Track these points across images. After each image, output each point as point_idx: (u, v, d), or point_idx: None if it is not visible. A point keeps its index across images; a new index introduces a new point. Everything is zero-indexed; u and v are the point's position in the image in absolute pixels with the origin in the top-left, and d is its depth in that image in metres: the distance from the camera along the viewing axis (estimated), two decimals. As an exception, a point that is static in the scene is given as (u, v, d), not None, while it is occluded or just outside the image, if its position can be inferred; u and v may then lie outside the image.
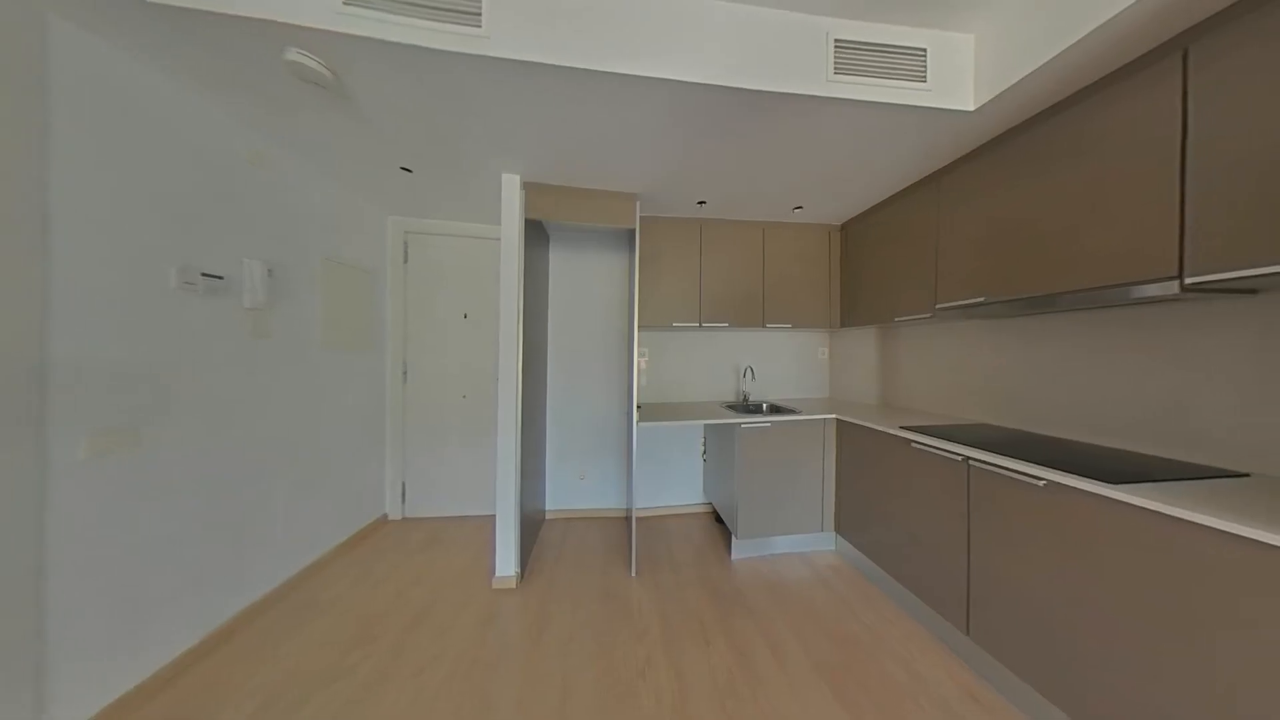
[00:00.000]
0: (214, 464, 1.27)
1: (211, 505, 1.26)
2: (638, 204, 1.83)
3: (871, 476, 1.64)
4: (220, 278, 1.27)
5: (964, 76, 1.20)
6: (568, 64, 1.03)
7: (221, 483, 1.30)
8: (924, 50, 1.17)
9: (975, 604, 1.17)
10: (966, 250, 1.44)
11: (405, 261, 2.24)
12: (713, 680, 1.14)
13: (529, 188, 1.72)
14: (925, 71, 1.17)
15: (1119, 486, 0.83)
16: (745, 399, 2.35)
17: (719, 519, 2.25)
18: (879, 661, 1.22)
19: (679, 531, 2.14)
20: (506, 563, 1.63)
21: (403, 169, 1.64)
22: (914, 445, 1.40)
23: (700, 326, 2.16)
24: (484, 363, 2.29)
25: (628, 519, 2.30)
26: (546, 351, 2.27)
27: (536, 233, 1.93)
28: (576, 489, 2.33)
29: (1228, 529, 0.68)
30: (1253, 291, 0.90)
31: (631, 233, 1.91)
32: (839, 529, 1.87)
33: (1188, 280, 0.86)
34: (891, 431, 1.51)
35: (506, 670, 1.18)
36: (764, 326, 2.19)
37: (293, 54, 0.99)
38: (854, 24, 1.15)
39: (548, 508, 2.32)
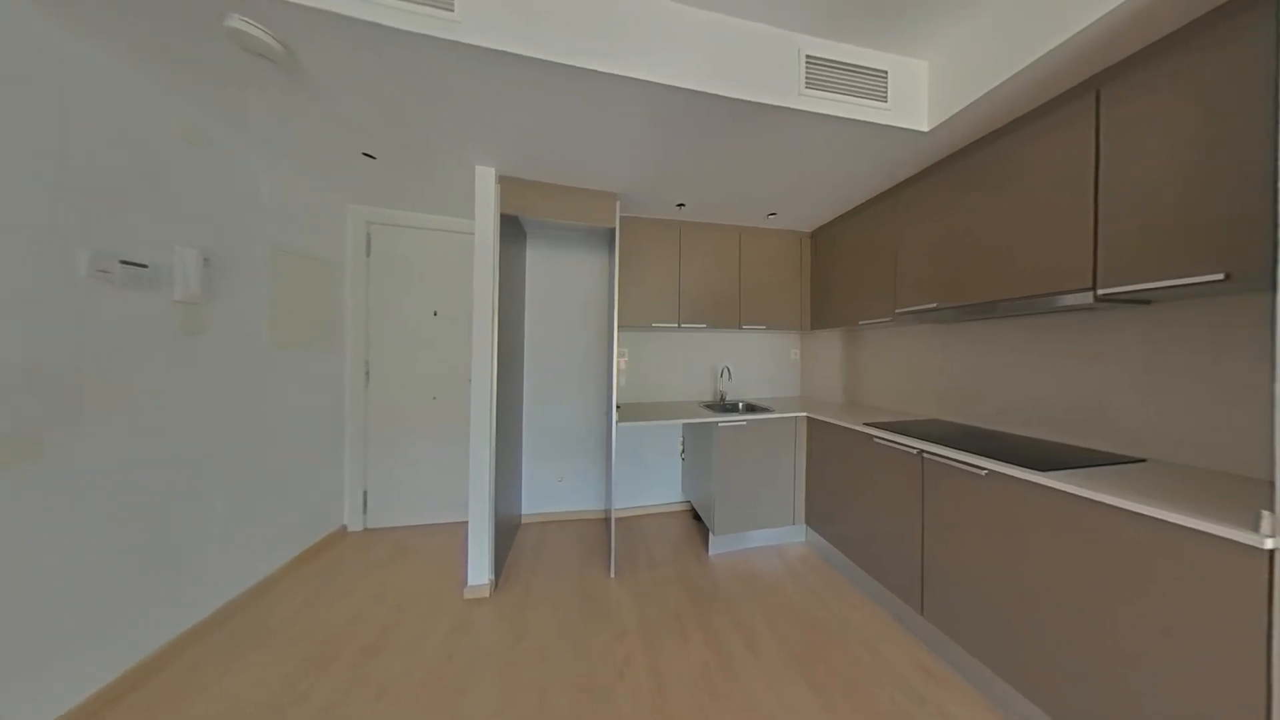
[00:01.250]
0: (137, 476, 1.13)
1: (133, 524, 1.12)
2: (618, 204, 1.83)
3: (838, 470, 1.74)
4: (144, 266, 1.12)
5: (920, 99, 1.30)
6: (546, 57, 1.01)
7: (146, 498, 1.15)
8: (885, 72, 1.26)
9: (928, 585, 1.27)
10: (921, 259, 1.56)
11: (368, 254, 2.10)
12: (690, 676, 1.16)
13: (504, 182, 1.66)
14: (886, 92, 1.26)
15: (1046, 474, 0.94)
16: (722, 398, 2.40)
17: (697, 516, 2.29)
18: (846, 646, 1.29)
19: (658, 531, 2.16)
20: (480, 571, 1.56)
21: (365, 155, 1.54)
22: (875, 440, 1.50)
23: (679, 327, 2.18)
24: (456, 363, 2.19)
25: (606, 520, 2.28)
26: (523, 351, 2.21)
27: (513, 228, 1.88)
28: (554, 492, 2.28)
29: (1120, 505, 0.79)
30: (1147, 302, 1.05)
31: (611, 232, 1.90)
32: (809, 521, 1.96)
33: (1100, 292, 0.98)
34: (856, 428, 1.61)
35: (480, 683, 1.14)
36: (740, 328, 2.26)
37: (235, 21, 0.89)
38: (824, 42, 1.22)
39: (524, 512, 2.26)
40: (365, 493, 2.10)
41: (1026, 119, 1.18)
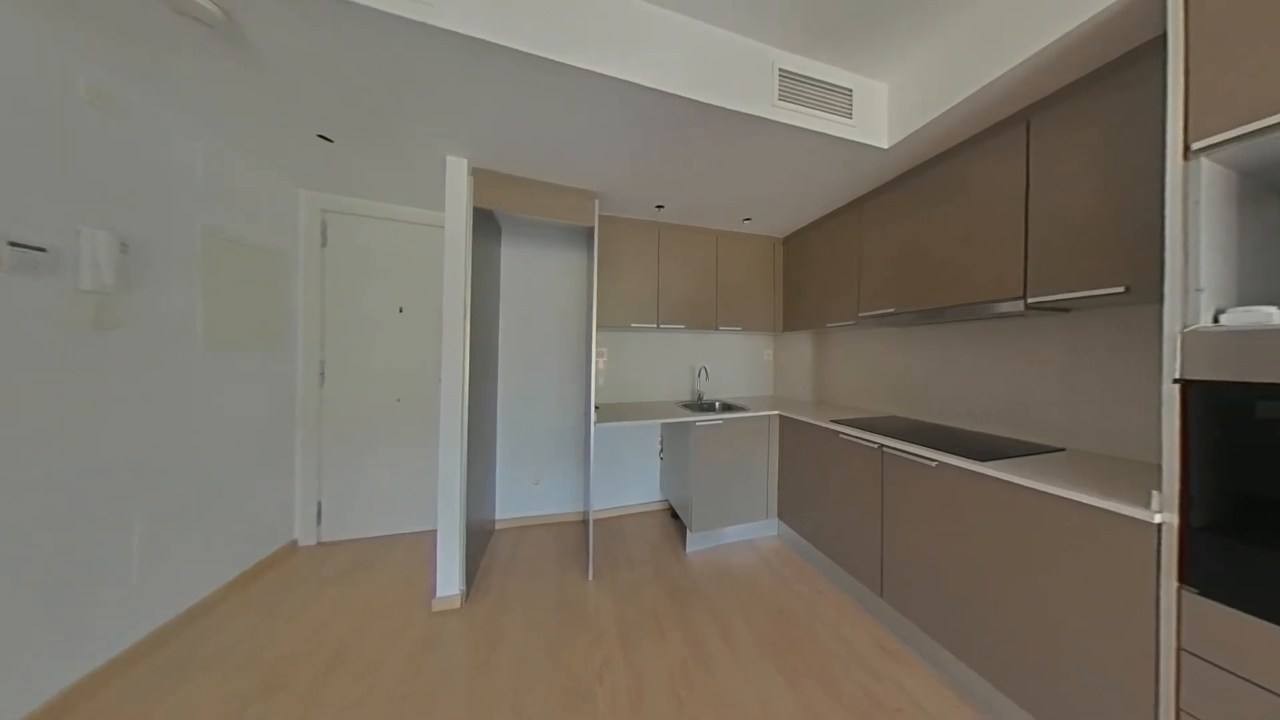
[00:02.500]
0: (29, 495, 0.97)
1: (23, 552, 0.96)
2: (596, 202, 1.81)
3: (808, 465, 1.83)
4: (41, 250, 0.97)
5: (880, 118, 1.40)
6: (523, 49, 0.98)
7: (42, 519, 0.99)
8: (850, 90, 1.34)
9: (886, 569, 1.37)
10: (882, 267, 1.68)
11: (323, 244, 1.94)
12: (668, 673, 1.18)
13: (478, 174, 1.60)
14: (851, 109, 1.34)
15: (984, 463, 1.04)
16: (700, 398, 2.45)
17: (675, 515, 2.32)
18: (815, 633, 1.36)
19: (637, 530, 2.16)
20: (450, 581, 1.49)
21: (321, 137, 1.42)
22: (841, 436, 1.60)
23: (658, 327, 2.20)
24: (424, 362, 2.07)
25: (585, 522, 2.26)
26: (497, 350, 2.14)
27: (487, 223, 1.81)
28: (531, 495, 2.23)
29: (1042, 489, 0.89)
30: (1067, 310, 1.19)
31: (590, 231, 1.88)
32: (780, 515, 2.05)
33: (1029, 300, 1.11)
34: (824, 425, 1.70)
35: (452, 697, 1.09)
36: (717, 329, 2.32)
37: (166, -21, 0.80)
38: (796, 58, 1.28)
39: (498, 517, 2.18)
40: (319, 503, 1.94)
41: (972, 142, 1.30)
